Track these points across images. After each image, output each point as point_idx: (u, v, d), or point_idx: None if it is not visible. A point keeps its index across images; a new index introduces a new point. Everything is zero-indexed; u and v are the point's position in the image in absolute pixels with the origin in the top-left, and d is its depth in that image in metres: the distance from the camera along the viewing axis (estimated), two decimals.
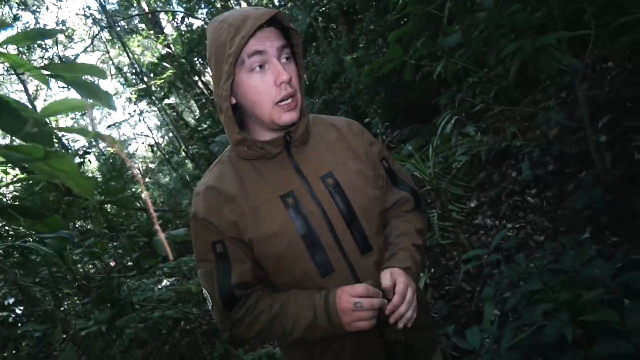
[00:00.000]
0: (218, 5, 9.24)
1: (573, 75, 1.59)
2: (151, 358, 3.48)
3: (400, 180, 1.04)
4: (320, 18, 7.16)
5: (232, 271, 0.86)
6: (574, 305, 1.12)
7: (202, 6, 9.71)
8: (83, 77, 0.64)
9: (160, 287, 4.02)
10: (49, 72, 0.59)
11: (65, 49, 11.11)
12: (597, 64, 2.74)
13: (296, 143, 0.91)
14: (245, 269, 0.87)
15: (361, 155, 0.97)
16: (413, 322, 0.83)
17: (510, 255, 2.39)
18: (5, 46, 0.59)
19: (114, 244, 4.41)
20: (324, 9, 6.98)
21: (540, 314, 1.14)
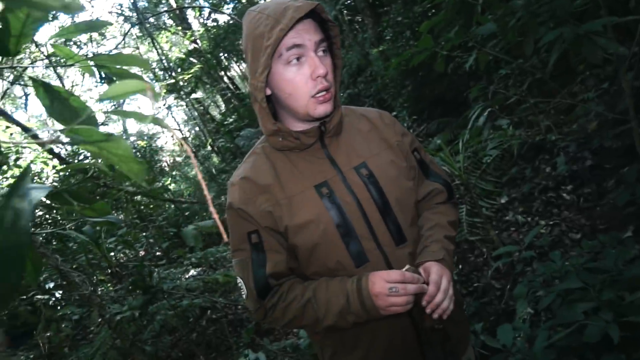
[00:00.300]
0: (244, 0, 9.31)
1: (618, 64, 1.50)
2: (179, 344, 3.60)
3: (433, 172, 1.03)
4: (345, 11, 7.10)
5: (267, 261, 0.88)
6: (617, 305, 1.07)
7: (228, 1, 9.82)
8: (127, 68, 0.66)
9: (187, 276, 4.13)
10: (96, 63, 0.61)
11: (99, 46, 11.53)
12: None
13: (330, 134, 0.91)
14: (280, 259, 0.88)
15: (393, 146, 0.96)
16: (449, 314, 0.82)
17: (543, 253, 2.31)
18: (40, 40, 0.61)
19: (144, 234, 4.58)
20: (349, 1, 6.91)
21: (581, 313, 1.10)
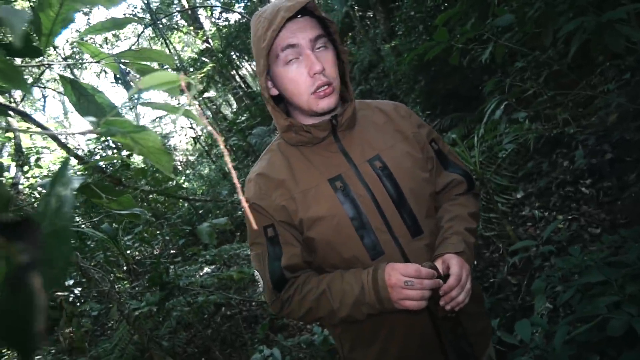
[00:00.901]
0: None
1: None
2: (195, 340, 3.65)
3: (452, 163, 1.02)
4: (357, 7, 7.06)
5: (282, 254, 0.89)
6: None
7: (239, 0, 9.86)
8: (151, 65, 0.67)
9: (202, 273, 4.19)
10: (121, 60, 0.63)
11: (113, 47, 11.73)
12: None
13: (342, 127, 0.92)
14: (295, 253, 0.89)
15: (409, 138, 0.96)
16: (462, 307, 0.81)
17: (561, 248, 2.27)
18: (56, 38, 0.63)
19: (159, 232, 4.66)
20: None
21: (604, 307, 1.08)
